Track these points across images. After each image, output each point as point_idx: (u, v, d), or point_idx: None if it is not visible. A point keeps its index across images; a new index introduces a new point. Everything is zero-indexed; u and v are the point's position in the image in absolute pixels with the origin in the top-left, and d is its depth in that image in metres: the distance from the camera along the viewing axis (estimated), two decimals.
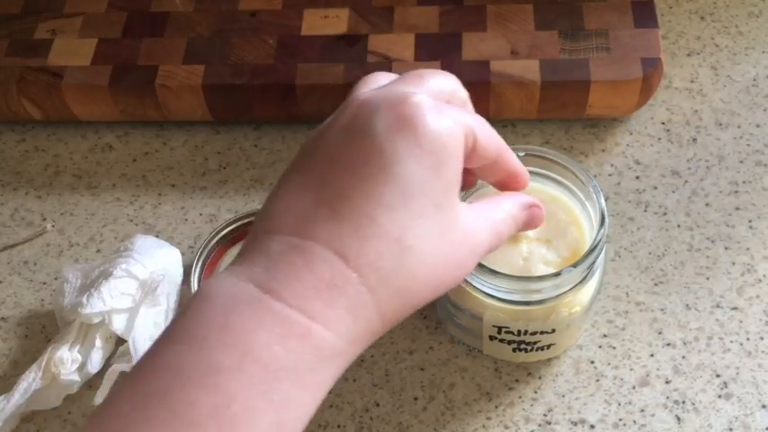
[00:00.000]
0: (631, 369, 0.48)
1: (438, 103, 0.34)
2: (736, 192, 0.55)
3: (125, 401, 0.30)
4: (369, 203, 0.32)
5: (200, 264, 0.51)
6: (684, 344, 0.49)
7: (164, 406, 0.29)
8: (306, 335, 0.30)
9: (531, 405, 0.48)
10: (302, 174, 0.34)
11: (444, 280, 0.34)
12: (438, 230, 0.33)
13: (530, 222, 0.40)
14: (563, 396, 0.48)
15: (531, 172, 0.46)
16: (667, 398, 0.47)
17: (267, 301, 0.30)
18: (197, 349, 0.30)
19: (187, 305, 0.32)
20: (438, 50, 0.58)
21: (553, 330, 0.45)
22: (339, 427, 0.48)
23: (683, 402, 0.47)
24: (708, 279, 0.51)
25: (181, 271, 0.53)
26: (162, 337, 0.31)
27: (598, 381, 0.48)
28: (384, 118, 0.33)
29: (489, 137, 0.36)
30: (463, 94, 0.38)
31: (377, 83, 0.37)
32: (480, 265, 0.42)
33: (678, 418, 0.47)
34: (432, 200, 0.33)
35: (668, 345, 0.49)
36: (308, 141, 0.35)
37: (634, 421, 0.47)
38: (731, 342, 0.49)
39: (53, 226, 0.58)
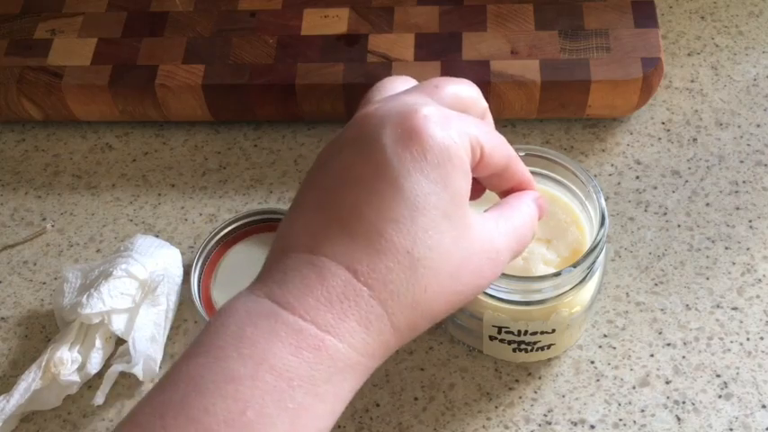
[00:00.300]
0: (631, 369, 0.48)
1: (446, 115, 0.34)
2: (737, 192, 0.55)
3: (144, 412, 0.31)
4: (378, 219, 0.32)
5: (199, 263, 0.51)
6: (684, 344, 0.49)
7: (180, 413, 0.29)
8: (319, 346, 0.31)
9: (531, 405, 0.48)
10: (314, 190, 0.34)
11: (461, 290, 0.34)
12: (450, 241, 0.33)
13: (540, 217, 0.40)
14: (563, 396, 0.48)
15: (531, 172, 0.46)
16: (667, 398, 0.47)
17: (282, 314, 0.31)
18: (213, 360, 0.31)
19: (207, 322, 0.33)
20: (438, 50, 0.58)
21: (553, 330, 0.45)
22: (339, 427, 0.48)
23: (684, 402, 0.47)
24: (708, 279, 0.51)
25: (181, 271, 0.53)
26: (184, 352, 0.32)
27: (598, 381, 0.48)
28: (391, 131, 0.33)
29: (496, 147, 0.36)
30: (483, 103, 0.38)
31: (393, 88, 0.37)
32: None
33: (678, 419, 0.47)
34: (441, 212, 0.33)
35: (668, 345, 0.49)
36: (320, 155, 0.36)
37: (634, 421, 0.47)
38: (731, 342, 0.49)
39: (53, 226, 0.58)
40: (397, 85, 0.37)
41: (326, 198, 0.33)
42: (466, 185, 0.34)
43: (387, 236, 0.32)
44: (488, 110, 0.39)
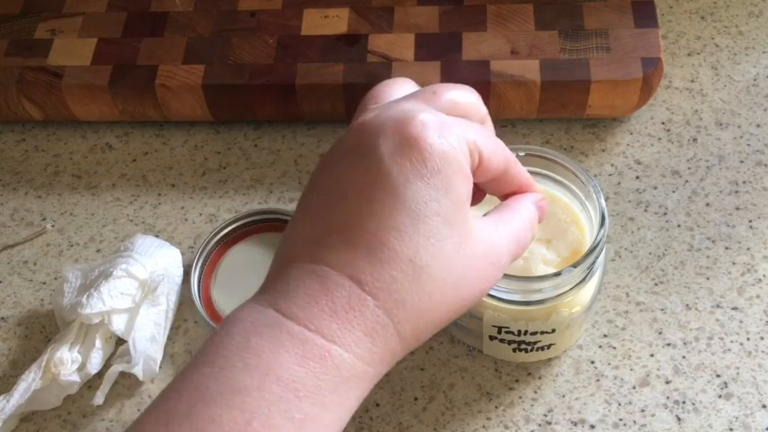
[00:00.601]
0: (631, 369, 0.48)
1: (443, 121, 0.34)
2: (737, 192, 0.55)
3: (149, 421, 0.31)
4: (379, 228, 0.32)
5: (200, 264, 0.51)
6: (684, 344, 0.49)
7: (185, 422, 0.29)
8: (325, 356, 0.31)
9: (531, 405, 0.48)
10: (314, 200, 0.35)
11: (465, 296, 0.34)
12: (452, 248, 0.33)
13: (541, 219, 0.40)
14: (563, 396, 0.48)
15: (530, 172, 0.46)
16: (667, 398, 0.47)
17: (287, 324, 0.31)
18: (219, 370, 0.31)
19: (212, 333, 0.33)
20: (438, 50, 0.58)
21: (553, 330, 0.45)
22: None
23: (684, 402, 0.47)
24: (708, 279, 0.51)
25: (181, 271, 0.53)
26: (189, 363, 0.32)
27: (598, 381, 0.48)
28: (388, 140, 0.33)
29: (495, 152, 0.36)
30: (482, 109, 0.38)
31: (390, 94, 0.37)
32: None
33: (678, 419, 0.47)
34: (442, 218, 0.33)
35: (668, 345, 0.49)
36: (319, 164, 0.36)
37: (634, 421, 0.47)
38: (731, 342, 0.49)
39: (53, 226, 0.58)
40: (394, 90, 0.37)
41: (328, 208, 0.34)
42: (466, 190, 0.34)
43: (389, 245, 0.32)
44: (488, 115, 0.39)
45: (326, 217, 0.33)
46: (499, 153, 0.36)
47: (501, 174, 0.37)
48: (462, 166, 0.34)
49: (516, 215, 0.38)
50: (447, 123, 0.34)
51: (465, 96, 0.37)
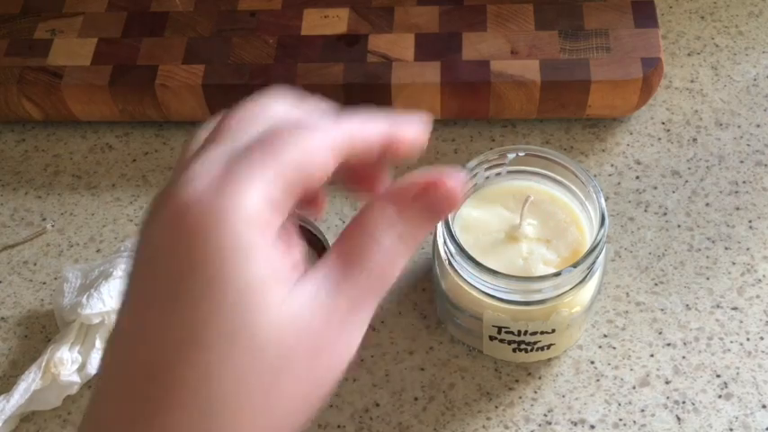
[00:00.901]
0: (631, 369, 0.48)
1: (223, 182, 0.25)
2: (737, 192, 0.55)
3: None
4: (162, 369, 0.25)
5: None
6: (684, 344, 0.49)
7: None
8: None
9: (531, 405, 0.48)
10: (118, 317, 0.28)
11: (306, 403, 0.27)
12: (256, 363, 0.25)
13: (441, 208, 0.29)
14: (563, 396, 0.48)
15: (531, 172, 0.47)
16: (667, 398, 0.47)
17: None
18: None
19: None
20: (438, 50, 0.58)
21: (553, 330, 0.45)
22: (339, 427, 0.48)
23: (683, 402, 0.47)
24: (708, 279, 0.51)
25: None
26: None
27: (598, 381, 0.48)
28: (158, 232, 0.26)
29: (319, 150, 0.27)
30: (296, 111, 0.31)
31: (197, 140, 0.29)
32: (480, 265, 0.42)
33: (678, 419, 0.47)
34: (228, 329, 0.25)
35: (668, 345, 0.49)
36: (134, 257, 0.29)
37: (634, 421, 0.47)
38: (731, 342, 0.49)
39: (53, 226, 0.58)
40: (199, 137, 0.30)
41: (118, 336, 0.27)
42: (264, 265, 0.25)
43: (176, 390, 0.25)
44: (309, 112, 0.31)
45: (115, 349, 0.27)
46: (326, 146, 0.28)
47: (357, 151, 0.29)
48: (247, 232, 0.25)
49: (367, 254, 0.27)
50: (230, 179, 0.25)
51: (271, 108, 0.30)
